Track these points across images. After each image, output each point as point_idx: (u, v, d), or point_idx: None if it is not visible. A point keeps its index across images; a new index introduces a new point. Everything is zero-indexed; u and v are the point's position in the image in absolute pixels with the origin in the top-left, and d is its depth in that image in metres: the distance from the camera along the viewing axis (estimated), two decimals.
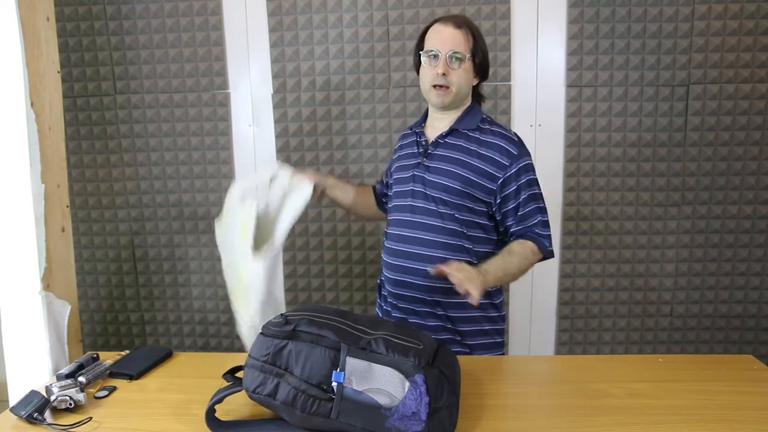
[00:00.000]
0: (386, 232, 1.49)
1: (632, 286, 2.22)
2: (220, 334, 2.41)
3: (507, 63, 2.11)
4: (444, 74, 1.33)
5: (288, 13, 2.16)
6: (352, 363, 0.95)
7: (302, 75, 2.19)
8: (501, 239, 1.44)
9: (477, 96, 1.47)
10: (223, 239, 1.40)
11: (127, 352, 1.38)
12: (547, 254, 1.40)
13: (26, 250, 1.39)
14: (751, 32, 2.03)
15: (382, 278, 1.51)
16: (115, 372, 1.27)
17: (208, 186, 2.30)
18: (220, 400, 1.01)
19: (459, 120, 1.41)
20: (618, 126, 2.12)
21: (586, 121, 2.13)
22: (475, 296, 1.15)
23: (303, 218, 2.28)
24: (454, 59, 1.33)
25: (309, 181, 1.44)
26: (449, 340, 1.40)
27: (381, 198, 1.67)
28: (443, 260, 1.30)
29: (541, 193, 1.40)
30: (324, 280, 2.32)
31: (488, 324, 1.44)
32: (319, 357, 0.95)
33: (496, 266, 1.30)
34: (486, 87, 2.12)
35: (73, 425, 1.04)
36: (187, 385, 1.22)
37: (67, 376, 1.19)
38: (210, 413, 1.01)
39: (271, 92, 2.22)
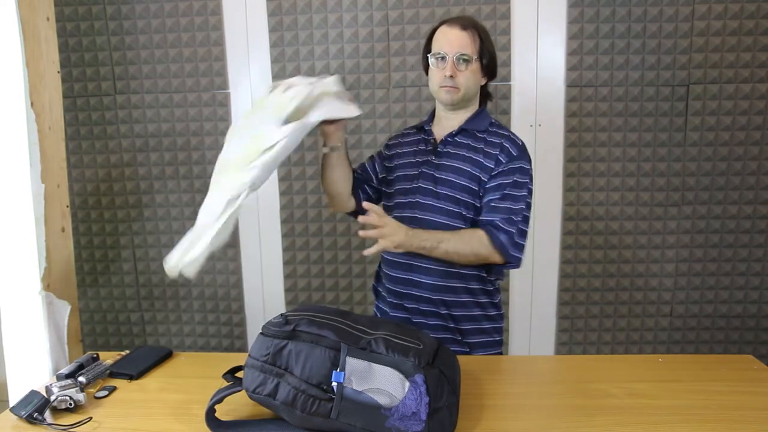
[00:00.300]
0: None
1: (632, 286, 2.22)
2: (220, 334, 2.41)
3: (507, 63, 2.11)
4: (452, 76, 1.34)
5: (288, 13, 2.16)
6: (352, 363, 0.95)
7: (302, 75, 2.19)
8: None
9: (485, 95, 1.48)
10: (241, 123, 1.34)
11: (127, 352, 1.38)
12: (508, 257, 1.33)
13: (26, 250, 1.39)
14: (751, 32, 2.03)
15: (383, 278, 1.50)
16: (115, 372, 1.27)
17: (208, 186, 2.29)
18: (220, 400, 1.01)
19: (470, 120, 1.42)
20: (618, 126, 2.12)
21: (586, 121, 2.13)
22: (382, 247, 1.24)
23: (303, 218, 2.28)
24: (461, 61, 1.34)
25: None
26: (449, 339, 1.41)
27: (359, 186, 1.55)
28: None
29: (524, 198, 1.36)
30: (324, 280, 2.32)
31: (488, 323, 1.44)
32: (319, 357, 0.95)
33: (428, 235, 1.31)
34: None
35: (73, 425, 1.04)
36: (187, 385, 1.22)
37: (67, 376, 1.19)
38: (210, 413, 1.01)
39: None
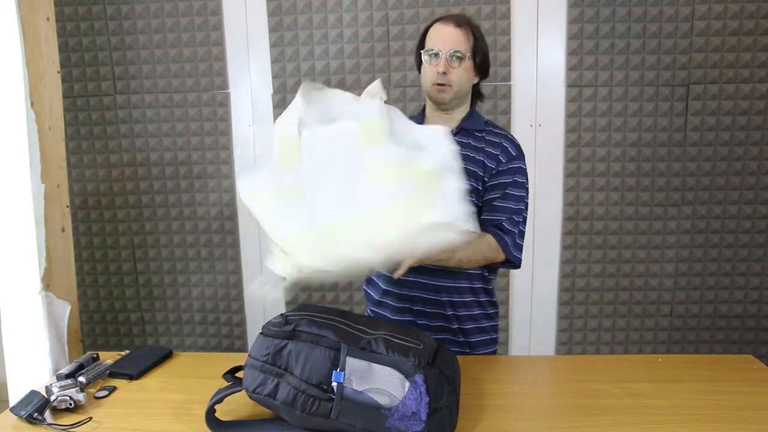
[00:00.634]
0: None
1: (632, 286, 2.22)
2: (220, 334, 2.41)
3: (507, 63, 2.11)
4: (444, 73, 1.33)
5: (288, 13, 2.16)
6: (352, 363, 0.95)
7: (302, 75, 2.19)
8: None
9: (477, 94, 1.47)
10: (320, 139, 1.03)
11: (127, 352, 1.38)
12: (511, 258, 1.33)
13: (26, 250, 1.39)
14: (751, 32, 2.03)
15: (380, 282, 1.49)
16: (115, 372, 1.27)
17: (208, 186, 2.30)
18: (220, 400, 1.01)
19: (467, 120, 1.42)
20: (618, 126, 2.12)
21: (586, 121, 2.13)
22: (408, 265, 1.13)
23: None
24: (454, 58, 1.33)
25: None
26: (448, 340, 1.40)
27: None
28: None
29: (523, 198, 1.37)
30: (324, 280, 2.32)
31: (486, 321, 1.44)
32: (319, 357, 0.95)
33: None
34: (486, 87, 2.12)
35: (73, 425, 1.04)
36: (187, 385, 1.22)
37: (67, 376, 1.19)
38: (210, 413, 1.01)
39: (271, 92, 2.22)
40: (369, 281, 1.56)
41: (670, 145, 2.12)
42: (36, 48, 1.41)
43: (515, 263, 1.36)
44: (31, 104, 1.38)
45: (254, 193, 1.05)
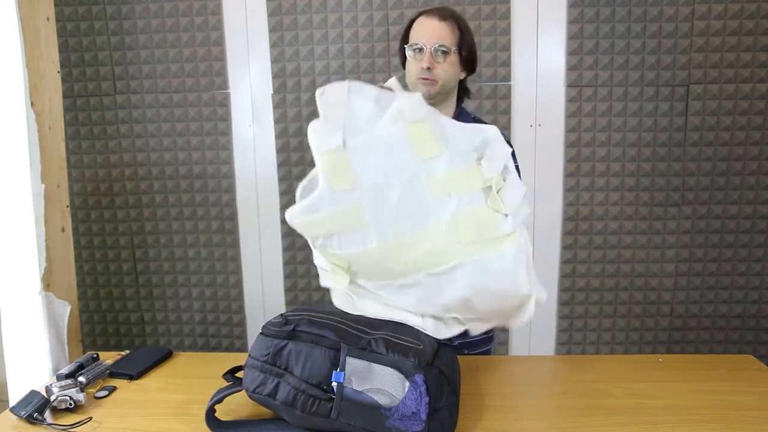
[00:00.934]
0: None
1: (632, 286, 2.22)
2: (220, 334, 2.41)
3: (507, 63, 2.11)
4: (429, 68, 1.29)
5: (288, 13, 2.16)
6: (352, 363, 0.95)
7: (302, 75, 2.19)
8: None
9: (463, 90, 1.43)
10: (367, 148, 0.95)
11: (127, 352, 1.38)
12: None
13: (26, 250, 1.39)
14: (751, 32, 2.03)
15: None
16: (115, 372, 1.27)
17: (208, 186, 2.30)
18: (220, 400, 1.01)
19: (456, 118, 1.37)
20: (618, 126, 2.12)
21: (586, 121, 2.13)
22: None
23: None
24: (439, 53, 1.29)
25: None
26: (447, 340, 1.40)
27: None
28: None
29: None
30: None
31: None
32: (319, 357, 0.95)
33: None
34: (486, 87, 2.14)
35: (73, 425, 1.04)
36: (187, 385, 1.22)
37: (67, 376, 1.19)
38: (210, 413, 1.01)
39: (271, 92, 2.22)
40: None
41: (670, 145, 2.12)
42: (36, 48, 1.41)
43: None
44: (31, 104, 1.38)
45: (307, 221, 0.99)
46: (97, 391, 1.18)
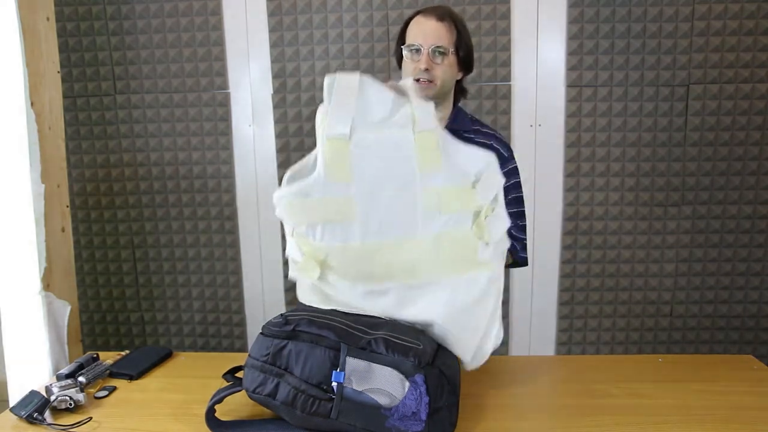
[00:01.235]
0: None
1: (632, 286, 2.22)
2: (220, 334, 2.41)
3: (507, 63, 2.11)
4: (427, 69, 1.27)
5: (288, 13, 2.16)
6: (352, 363, 0.95)
7: (302, 75, 2.19)
8: None
9: (460, 90, 1.41)
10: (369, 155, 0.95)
11: (127, 352, 1.38)
12: (519, 260, 1.35)
13: (26, 250, 1.39)
14: (751, 32, 2.03)
15: None
16: (115, 372, 1.27)
17: (208, 186, 2.30)
18: (220, 400, 1.01)
19: (453, 121, 1.37)
20: (618, 126, 2.12)
21: (586, 121, 2.13)
22: None
23: None
24: (437, 53, 1.27)
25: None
26: None
27: None
28: None
29: (523, 198, 1.37)
30: None
31: None
32: (319, 357, 0.95)
33: None
34: (486, 87, 2.14)
35: (73, 425, 1.04)
36: (187, 385, 1.22)
37: (67, 376, 1.19)
38: (210, 413, 1.01)
39: (271, 92, 2.22)
40: None
41: (670, 145, 2.12)
42: (36, 48, 1.41)
43: (525, 264, 1.37)
44: (31, 104, 1.38)
45: (296, 204, 1.00)
46: (97, 391, 1.19)
